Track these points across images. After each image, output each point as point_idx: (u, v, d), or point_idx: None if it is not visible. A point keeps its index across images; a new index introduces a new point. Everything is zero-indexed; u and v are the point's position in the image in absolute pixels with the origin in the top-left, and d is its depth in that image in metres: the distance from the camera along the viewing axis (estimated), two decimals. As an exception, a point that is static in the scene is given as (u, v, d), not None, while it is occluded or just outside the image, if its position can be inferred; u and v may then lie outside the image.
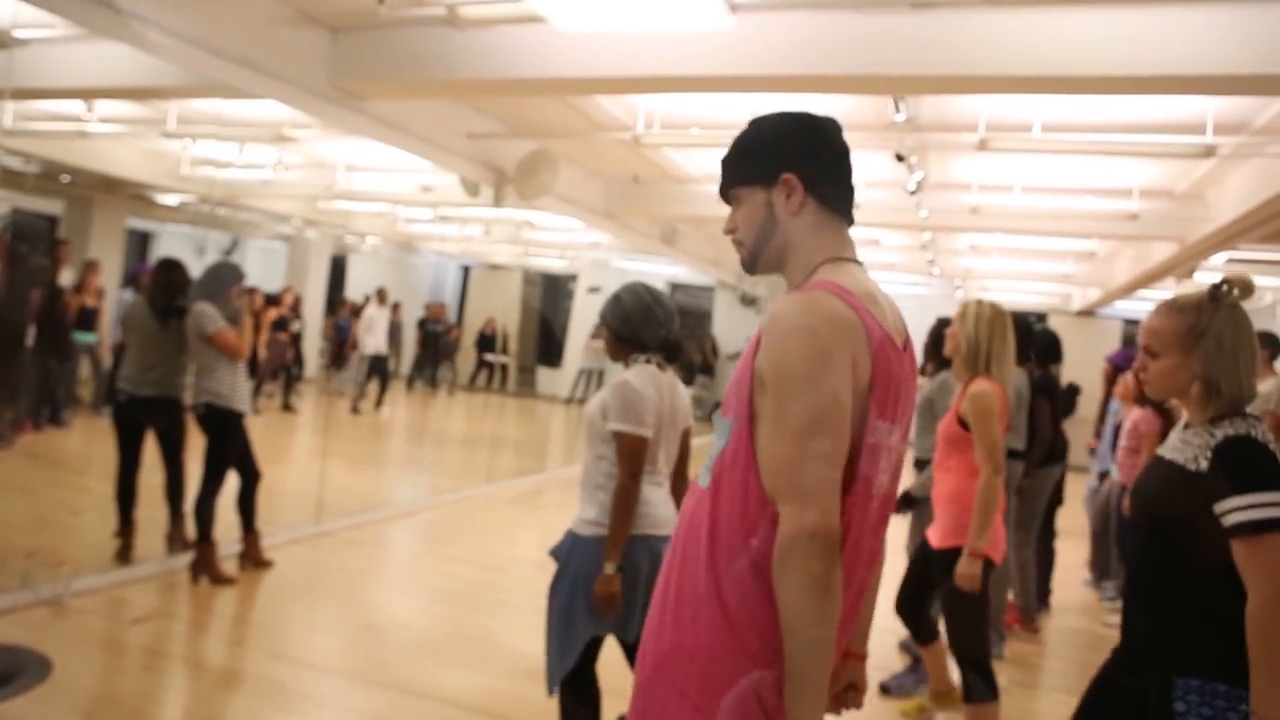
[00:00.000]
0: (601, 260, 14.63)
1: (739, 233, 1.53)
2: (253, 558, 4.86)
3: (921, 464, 4.34)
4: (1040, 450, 4.76)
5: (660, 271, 14.33)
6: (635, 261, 13.38)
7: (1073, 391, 10.48)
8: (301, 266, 11.62)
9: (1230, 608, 1.68)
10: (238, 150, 7.97)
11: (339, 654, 3.96)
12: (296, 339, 10.61)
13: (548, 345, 16.21)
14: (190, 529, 4.66)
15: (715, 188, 1.60)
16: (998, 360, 3.06)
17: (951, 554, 3.01)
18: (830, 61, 4.18)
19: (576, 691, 2.62)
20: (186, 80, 4.75)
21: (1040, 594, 5.31)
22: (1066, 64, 3.88)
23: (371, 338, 11.33)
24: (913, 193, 6.76)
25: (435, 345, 13.67)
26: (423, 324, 13.59)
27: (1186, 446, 1.80)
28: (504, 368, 15.19)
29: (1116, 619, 2.00)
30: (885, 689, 3.92)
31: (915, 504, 4.09)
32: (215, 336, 4.50)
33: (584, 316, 14.75)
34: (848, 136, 1.53)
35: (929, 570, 3.25)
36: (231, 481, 4.73)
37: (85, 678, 3.42)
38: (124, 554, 4.65)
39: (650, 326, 2.65)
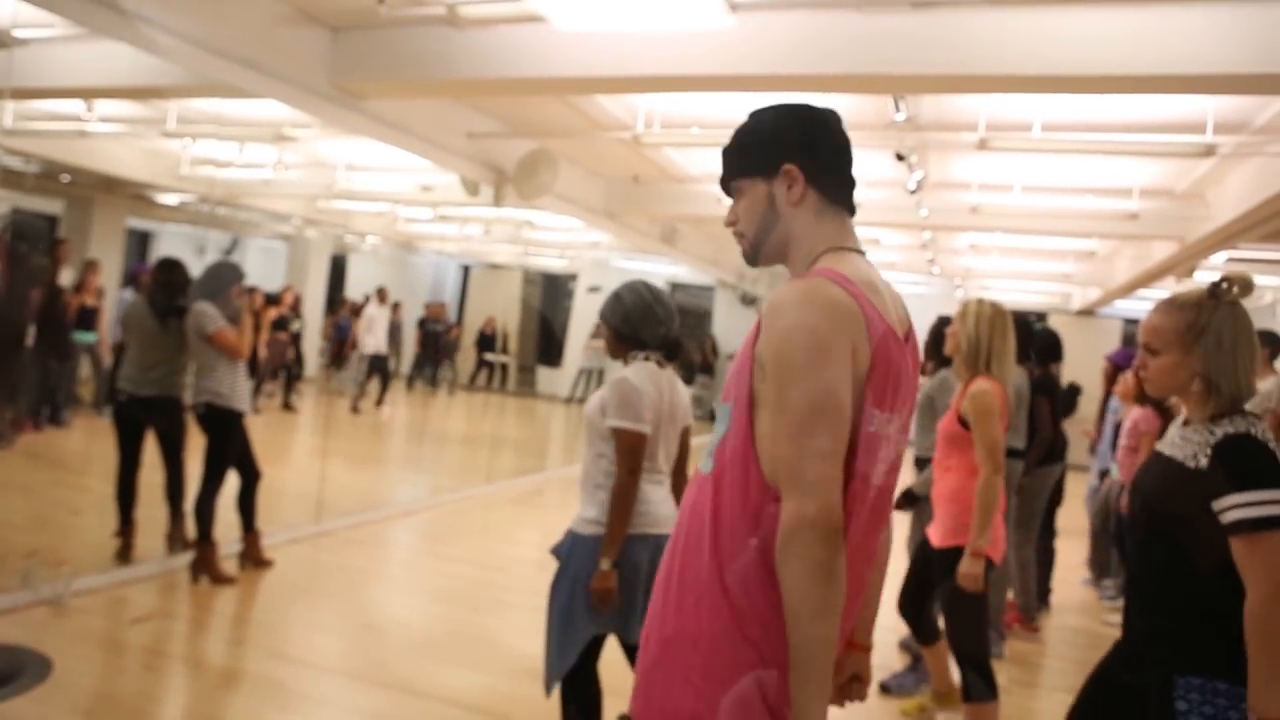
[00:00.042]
0: (601, 260, 14.63)
1: (740, 224, 1.53)
2: (253, 557, 4.86)
3: (922, 462, 4.34)
4: (1040, 449, 4.76)
5: (660, 271, 14.34)
6: (635, 261, 13.38)
7: (1073, 391, 10.48)
8: (301, 266, 11.62)
9: (1230, 606, 1.68)
10: (238, 150, 7.97)
11: (339, 653, 3.97)
12: (296, 338, 10.61)
13: (548, 345, 16.22)
14: (190, 529, 4.66)
15: (715, 187, 1.61)
16: (998, 359, 3.06)
17: (952, 553, 3.01)
18: (830, 61, 4.18)
19: (578, 691, 2.62)
20: (186, 80, 4.75)
21: (1040, 593, 5.31)
22: (1066, 63, 3.88)
23: (371, 337, 11.33)
24: (913, 192, 6.76)
25: (435, 345, 13.68)
26: (423, 323, 13.60)
27: (1186, 443, 1.80)
28: (504, 367, 15.19)
29: (1116, 618, 2.00)
30: (885, 688, 3.92)
31: (916, 502, 4.09)
32: (215, 336, 4.50)
33: (584, 316, 14.75)
34: (848, 135, 1.54)
35: (930, 570, 3.25)
36: (231, 481, 4.73)
37: (85, 677, 3.42)
38: (124, 554, 4.65)
39: (650, 325, 2.65)
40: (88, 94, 6.06)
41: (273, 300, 9.86)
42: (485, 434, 11.92)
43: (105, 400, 6.11)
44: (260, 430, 5.46)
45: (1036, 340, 4.91)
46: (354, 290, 13.72)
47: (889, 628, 4.09)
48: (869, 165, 6.74)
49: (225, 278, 4.71)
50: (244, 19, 4.52)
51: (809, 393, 1.30)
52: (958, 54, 4.01)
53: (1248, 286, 1.80)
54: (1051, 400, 4.87)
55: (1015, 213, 7.92)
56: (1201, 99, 4.91)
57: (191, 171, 7.86)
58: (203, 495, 4.57)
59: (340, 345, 12.46)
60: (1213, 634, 1.72)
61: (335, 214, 10.93)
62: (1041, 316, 14.38)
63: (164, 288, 4.68)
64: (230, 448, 4.65)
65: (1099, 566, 6.02)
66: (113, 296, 6.84)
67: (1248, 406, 1.80)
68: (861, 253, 1.49)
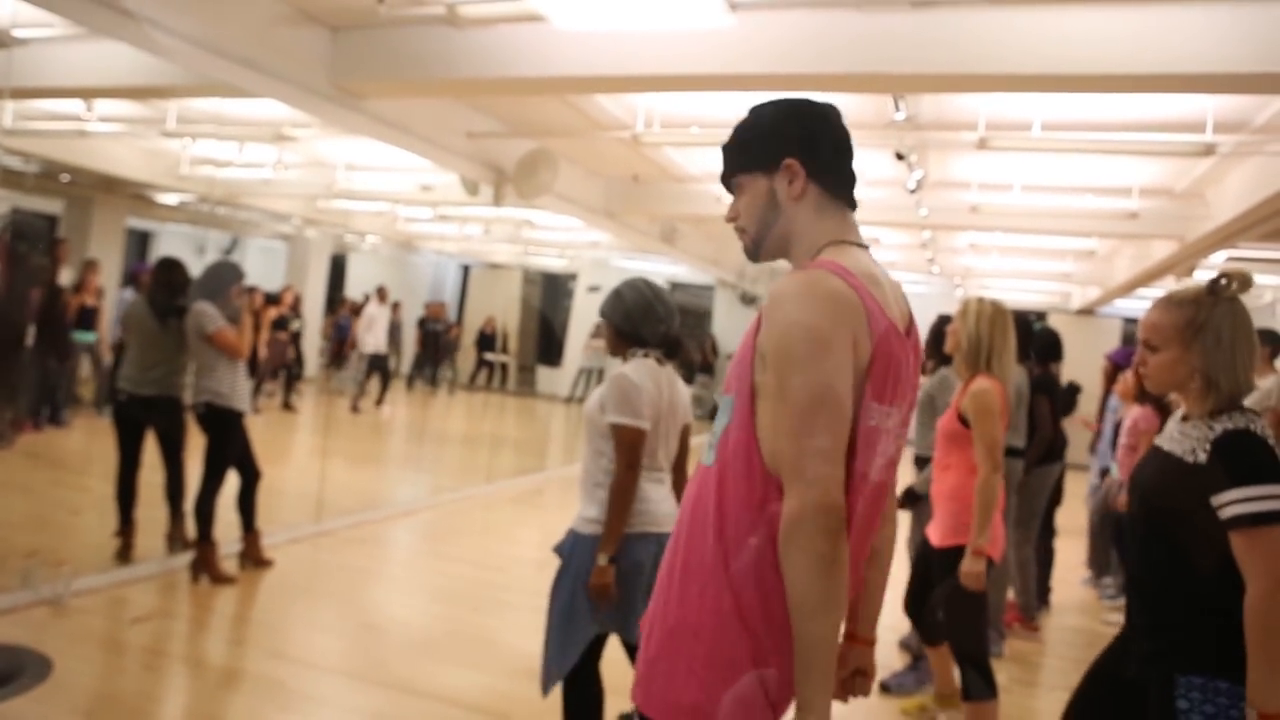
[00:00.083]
0: (601, 259, 14.64)
1: (742, 220, 1.53)
2: (253, 557, 4.86)
3: (921, 461, 4.34)
4: (1039, 448, 4.76)
5: (660, 270, 14.34)
6: (635, 260, 13.38)
7: (1073, 390, 10.50)
8: (301, 266, 11.61)
9: (1231, 605, 1.68)
10: (237, 149, 7.97)
11: (339, 653, 3.97)
12: (296, 338, 10.61)
13: (548, 344, 16.22)
14: (190, 528, 4.66)
15: (715, 186, 1.62)
16: (998, 357, 3.06)
17: (951, 552, 3.01)
18: (830, 60, 4.18)
19: (580, 691, 2.62)
20: (186, 79, 4.75)
21: (1040, 592, 5.31)
22: (1066, 62, 3.88)
23: (371, 337, 11.33)
24: (912, 191, 6.76)
25: (435, 344, 13.68)
26: (423, 323, 13.60)
27: (1185, 438, 1.81)
28: (504, 367, 15.19)
29: (1116, 617, 2.01)
30: (885, 687, 3.92)
31: (917, 501, 4.09)
32: (215, 336, 4.50)
33: (584, 315, 14.76)
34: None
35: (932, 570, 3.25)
36: (231, 481, 4.73)
37: (85, 677, 3.42)
38: (124, 553, 4.65)
39: (650, 322, 2.66)
40: (87, 94, 6.06)
41: (273, 300, 9.85)
42: (485, 434, 11.92)
43: (105, 400, 6.11)
44: (260, 430, 5.46)
45: (1037, 339, 4.91)
46: (354, 290, 13.73)
47: (889, 626, 4.10)
48: (869, 164, 6.73)
49: (225, 277, 4.71)
50: (244, 19, 4.52)
51: (810, 385, 1.30)
52: (957, 53, 4.01)
53: (1246, 282, 1.80)
54: (1051, 399, 4.87)
55: (1015, 212, 7.92)
56: (1201, 98, 4.90)
57: (191, 171, 7.86)
58: (203, 495, 4.57)
59: (340, 345, 12.47)
60: (1213, 633, 1.72)
61: (335, 214, 10.92)
62: (1041, 316, 14.37)
63: (164, 287, 4.68)
64: (230, 447, 4.65)
65: (1098, 565, 6.02)
66: (113, 296, 6.84)
67: (1246, 403, 1.81)
68: (864, 246, 1.49)
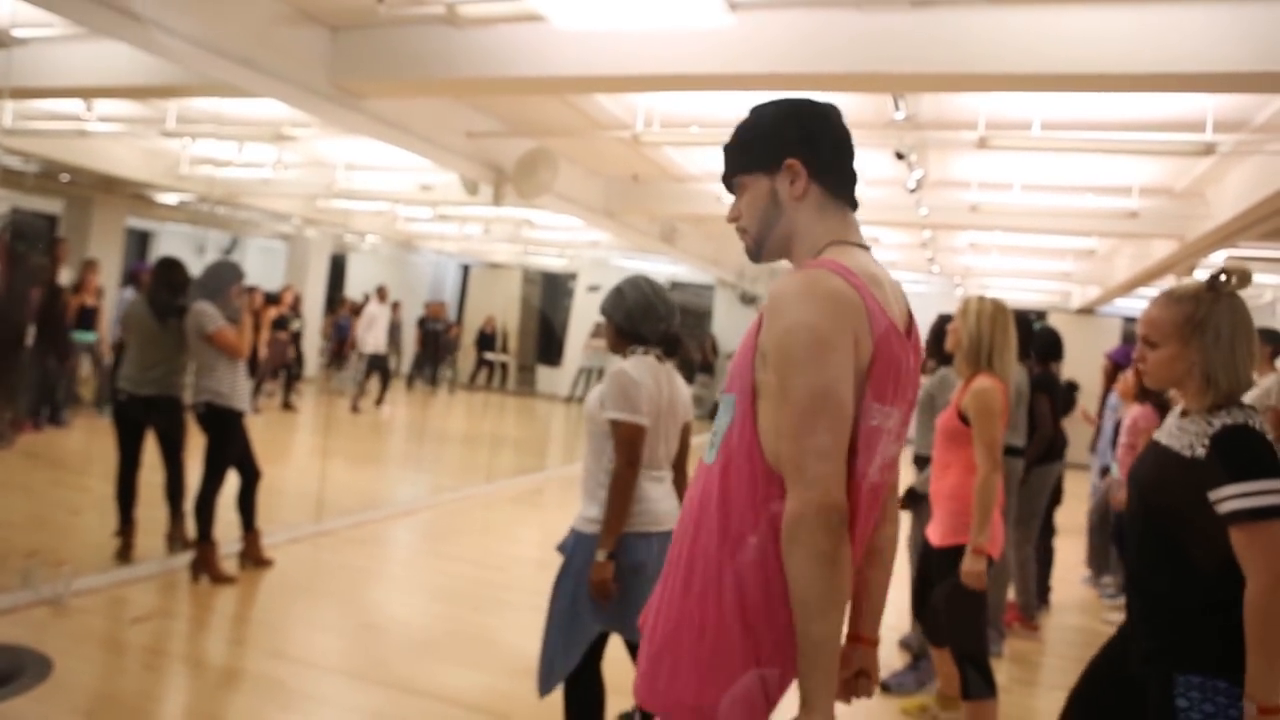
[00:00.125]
0: (601, 259, 14.64)
1: (743, 220, 1.53)
2: (253, 557, 4.86)
3: (921, 460, 4.34)
4: (1040, 446, 4.76)
5: (660, 270, 14.33)
6: (635, 260, 13.38)
7: (1071, 388, 10.50)
8: (301, 265, 11.63)
9: (1230, 603, 1.68)
10: (237, 149, 7.97)
11: (339, 653, 3.97)
12: (296, 338, 10.62)
13: (547, 344, 16.22)
14: (190, 528, 4.66)
15: (715, 186, 1.62)
16: (999, 356, 3.05)
17: (951, 551, 3.01)
18: (829, 59, 4.18)
19: (582, 690, 2.61)
20: (186, 79, 4.75)
21: (1040, 592, 5.31)
22: (1066, 62, 3.88)
23: (371, 336, 11.34)
24: (912, 191, 6.76)
25: (435, 344, 13.68)
26: (422, 322, 13.60)
27: (1183, 433, 1.81)
28: (504, 366, 15.20)
29: (1116, 616, 2.01)
30: (885, 687, 3.92)
31: (918, 501, 4.09)
32: (215, 335, 4.50)
33: (584, 315, 14.75)
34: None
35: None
36: (231, 480, 4.73)
37: (86, 677, 3.42)
38: (124, 553, 4.65)
39: (651, 320, 2.66)
40: (87, 94, 6.06)
41: (272, 300, 9.87)
42: (485, 433, 11.92)
43: (105, 400, 6.11)
44: (260, 430, 5.46)
45: (1037, 339, 4.91)
46: (354, 289, 13.74)
47: (889, 626, 4.10)
48: (868, 164, 6.70)
49: (225, 277, 4.71)
50: (243, 18, 4.52)
51: (811, 384, 1.31)
52: (957, 52, 4.01)
53: (1245, 278, 1.80)
54: (1052, 398, 4.87)
55: (1015, 211, 7.93)
56: (1201, 97, 4.90)
57: (191, 171, 7.87)
58: (203, 495, 4.57)
59: (340, 345, 12.47)
60: (1213, 632, 1.73)
61: (335, 213, 10.93)
62: (1041, 315, 14.37)
63: (164, 287, 4.68)
64: (230, 447, 4.65)
65: (1097, 563, 6.02)
66: (112, 296, 6.85)
67: (1245, 400, 1.81)
68: (865, 247, 1.49)
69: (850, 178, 1.51)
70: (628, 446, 2.53)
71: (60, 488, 6.28)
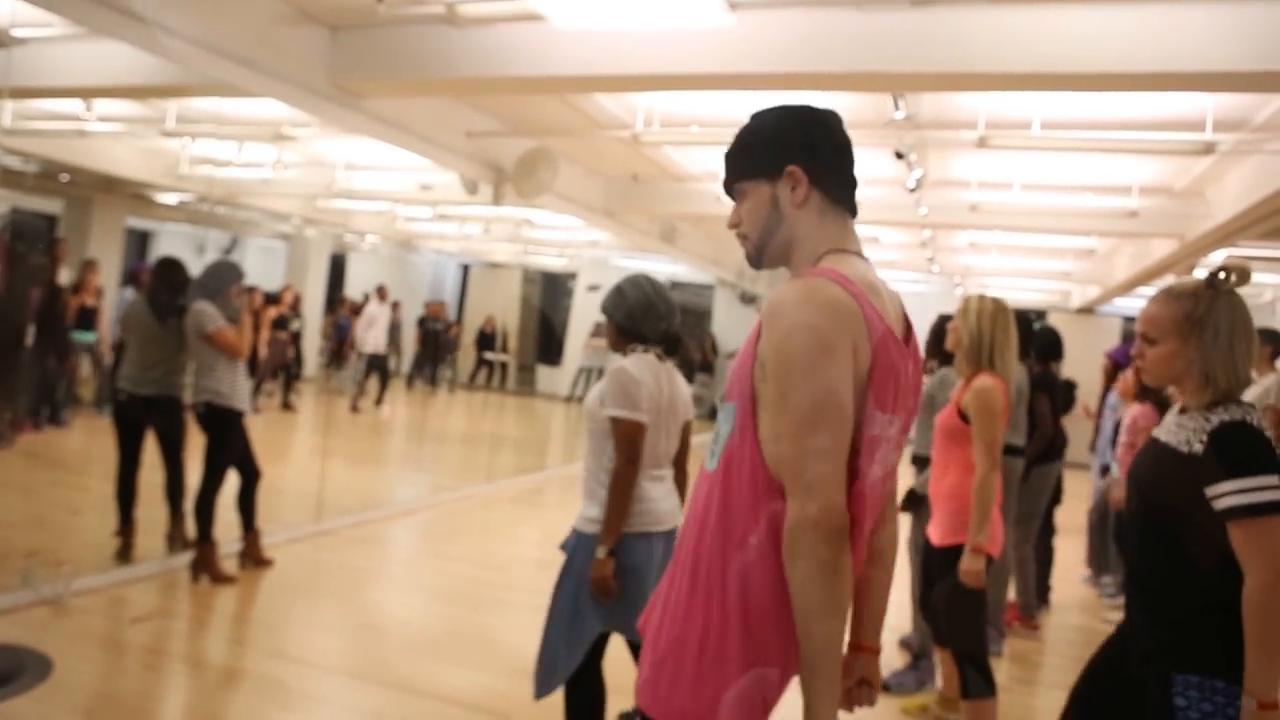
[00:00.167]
0: (601, 258, 14.64)
1: (744, 227, 1.53)
2: (253, 556, 4.86)
3: (920, 461, 4.33)
4: (1040, 446, 4.76)
5: (660, 269, 14.34)
6: (635, 259, 13.38)
7: (1069, 387, 10.52)
8: (301, 265, 11.63)
9: (1230, 602, 1.68)
10: (237, 149, 7.97)
11: (339, 652, 3.97)
12: (296, 338, 10.62)
13: (547, 343, 16.23)
14: (190, 528, 4.66)
15: (715, 186, 1.61)
16: (1000, 355, 3.05)
17: (951, 551, 3.01)
18: (829, 59, 4.18)
19: (583, 690, 2.61)
20: (185, 79, 4.75)
21: (1040, 591, 5.32)
22: (1065, 61, 3.87)
23: (371, 336, 11.34)
24: (912, 190, 6.76)
25: (435, 343, 13.68)
26: (422, 322, 13.60)
27: (1181, 430, 1.81)
28: (504, 366, 15.20)
29: (1116, 615, 2.01)
30: (886, 686, 3.91)
31: (918, 502, 4.08)
32: (215, 335, 4.50)
33: (584, 314, 14.76)
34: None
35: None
36: (231, 480, 4.73)
37: (86, 677, 3.42)
38: (124, 553, 4.65)
39: (652, 319, 2.67)
40: (87, 93, 6.06)
41: (272, 299, 9.86)
42: (485, 433, 11.92)
43: (104, 400, 6.11)
44: (260, 430, 5.46)
45: (1037, 338, 4.91)
46: (353, 289, 13.74)
47: (889, 626, 4.08)
48: (868, 163, 6.72)
49: (225, 277, 4.71)
50: (243, 18, 4.52)
51: (810, 393, 1.31)
52: (956, 52, 4.01)
53: (1245, 276, 1.80)
54: (1052, 397, 4.87)
55: (1014, 211, 7.93)
56: (1201, 96, 4.90)
57: (191, 171, 7.87)
58: (202, 495, 4.57)
59: (340, 344, 12.47)
60: (1212, 632, 1.73)
61: (335, 213, 10.93)
62: (1041, 314, 14.37)
63: (164, 287, 4.68)
64: (230, 447, 4.65)
65: (1098, 563, 6.02)
66: (112, 296, 6.85)
67: (1244, 399, 1.81)
68: (863, 256, 1.49)
69: (851, 185, 1.51)
70: (628, 444, 2.54)
71: (60, 488, 6.28)
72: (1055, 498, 5.40)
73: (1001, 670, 3.51)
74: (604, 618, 2.54)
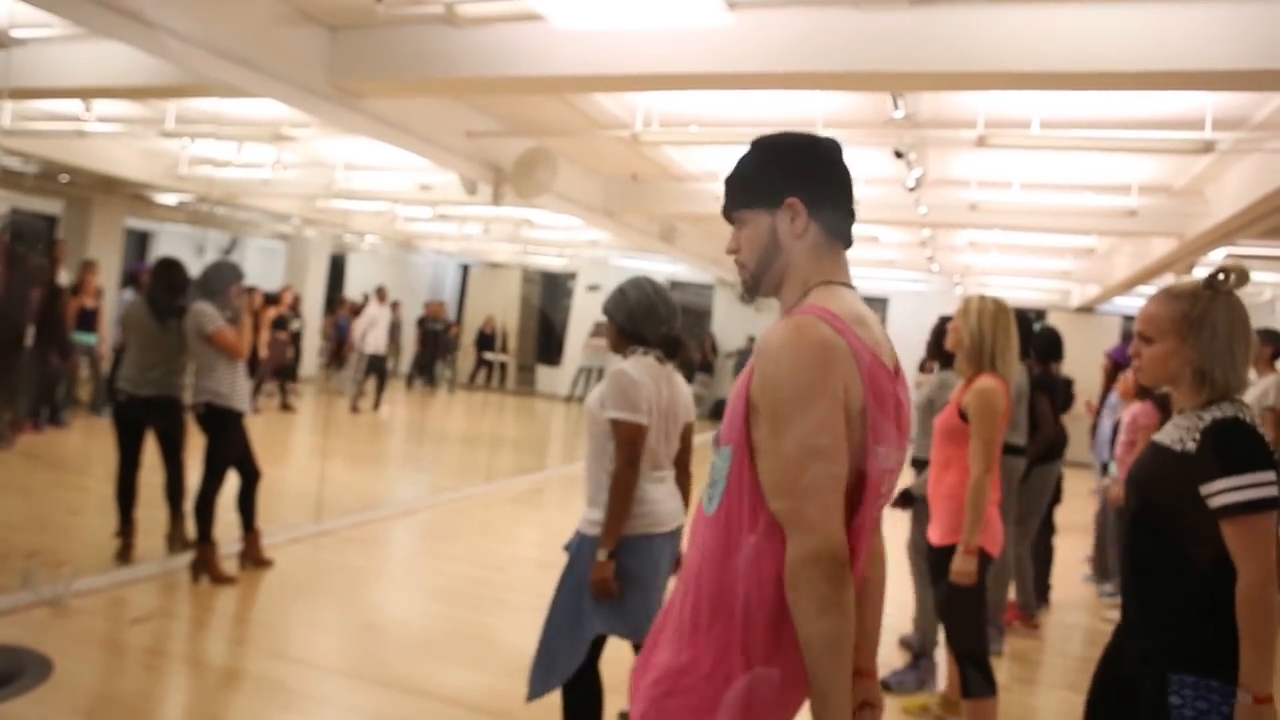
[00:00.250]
0: (600, 258, 14.64)
1: (742, 254, 1.54)
2: (253, 557, 4.86)
3: (919, 463, 4.33)
4: (1040, 445, 4.76)
5: (659, 269, 14.34)
6: (634, 259, 13.38)
7: (1067, 384, 10.52)
8: (300, 265, 11.64)
9: (1225, 604, 1.69)
10: (236, 149, 7.97)
11: (339, 653, 3.97)
12: (296, 338, 10.62)
13: (547, 343, 16.23)
14: (190, 529, 4.66)
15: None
16: (1001, 355, 3.04)
17: (950, 551, 3.01)
18: (828, 58, 4.18)
19: (581, 689, 2.61)
20: (185, 80, 4.75)
21: (1040, 590, 5.32)
22: (1065, 60, 3.87)
23: (371, 336, 11.34)
24: (911, 189, 6.76)
25: (435, 344, 13.68)
26: (422, 322, 13.60)
27: (1175, 429, 1.82)
28: (503, 366, 15.20)
29: (1116, 615, 2.01)
30: (886, 685, 3.91)
31: (914, 502, 4.08)
32: (214, 336, 4.50)
33: (583, 314, 14.76)
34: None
35: None
36: (231, 481, 4.73)
37: (86, 678, 3.42)
38: (124, 554, 4.65)
39: (653, 322, 2.67)
40: (86, 94, 6.06)
41: (272, 300, 9.86)
42: (485, 433, 11.92)
43: (105, 400, 6.11)
44: (260, 430, 5.46)
45: (1038, 339, 4.91)
46: (353, 290, 13.74)
47: (889, 626, 4.09)
48: (868, 163, 6.74)
49: (224, 277, 4.71)
50: (242, 18, 4.52)
51: (805, 434, 1.32)
52: (956, 51, 4.01)
53: (1244, 277, 1.81)
54: (1052, 397, 4.87)
55: (1014, 210, 7.93)
56: (1200, 95, 4.90)
57: (190, 171, 7.87)
58: (202, 495, 4.56)
59: (339, 345, 12.47)
60: (1209, 632, 1.73)
61: (334, 213, 10.94)
62: (1040, 314, 14.38)
63: (163, 287, 4.68)
64: (230, 447, 4.65)
65: (1100, 568, 6.01)
66: (112, 297, 6.85)
67: (1242, 397, 1.81)
68: (852, 287, 1.50)
69: (848, 217, 1.51)
70: (628, 446, 2.54)
71: (60, 488, 6.28)
72: (1055, 497, 5.40)
73: (1002, 669, 3.51)
74: (605, 620, 2.54)
